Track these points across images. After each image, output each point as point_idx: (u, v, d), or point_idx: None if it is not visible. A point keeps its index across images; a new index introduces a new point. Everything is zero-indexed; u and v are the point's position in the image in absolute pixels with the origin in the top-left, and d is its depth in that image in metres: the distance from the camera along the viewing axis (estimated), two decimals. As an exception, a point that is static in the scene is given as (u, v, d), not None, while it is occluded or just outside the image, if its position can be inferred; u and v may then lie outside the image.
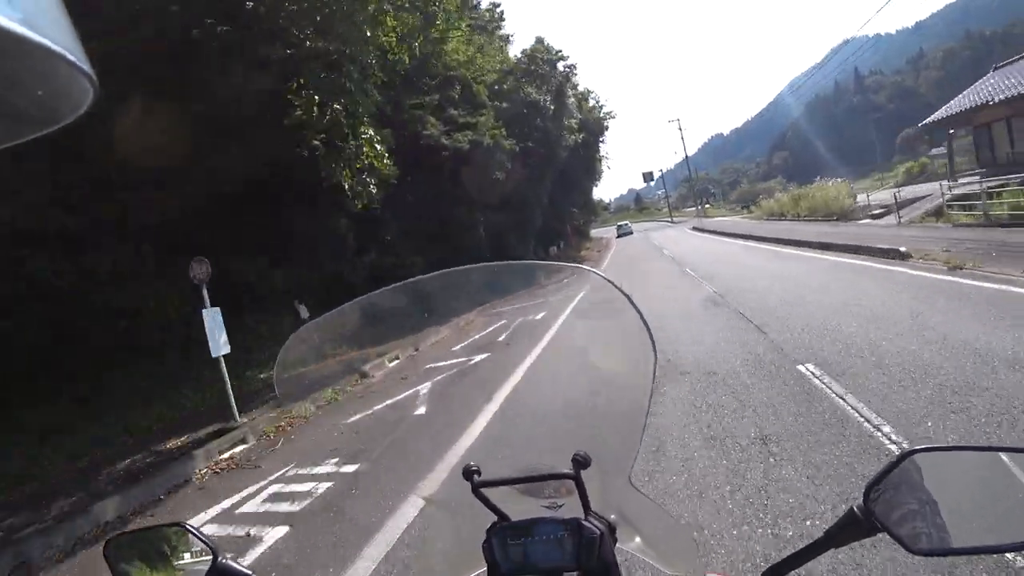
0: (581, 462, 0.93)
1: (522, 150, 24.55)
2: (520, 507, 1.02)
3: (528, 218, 26.55)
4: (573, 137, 32.75)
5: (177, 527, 1.03)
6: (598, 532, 0.94)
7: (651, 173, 62.21)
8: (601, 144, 40.95)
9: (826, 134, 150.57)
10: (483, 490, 0.99)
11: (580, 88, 37.41)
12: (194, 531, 1.01)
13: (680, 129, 60.45)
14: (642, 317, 1.05)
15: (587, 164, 39.14)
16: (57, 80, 0.34)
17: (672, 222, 58.76)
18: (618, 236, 52.86)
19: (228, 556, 0.99)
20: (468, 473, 0.99)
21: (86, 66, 0.33)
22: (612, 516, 1.03)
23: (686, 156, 60.04)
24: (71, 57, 0.32)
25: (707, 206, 62.44)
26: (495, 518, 1.00)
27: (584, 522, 0.95)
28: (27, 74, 0.32)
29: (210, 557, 0.98)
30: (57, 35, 0.31)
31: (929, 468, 0.79)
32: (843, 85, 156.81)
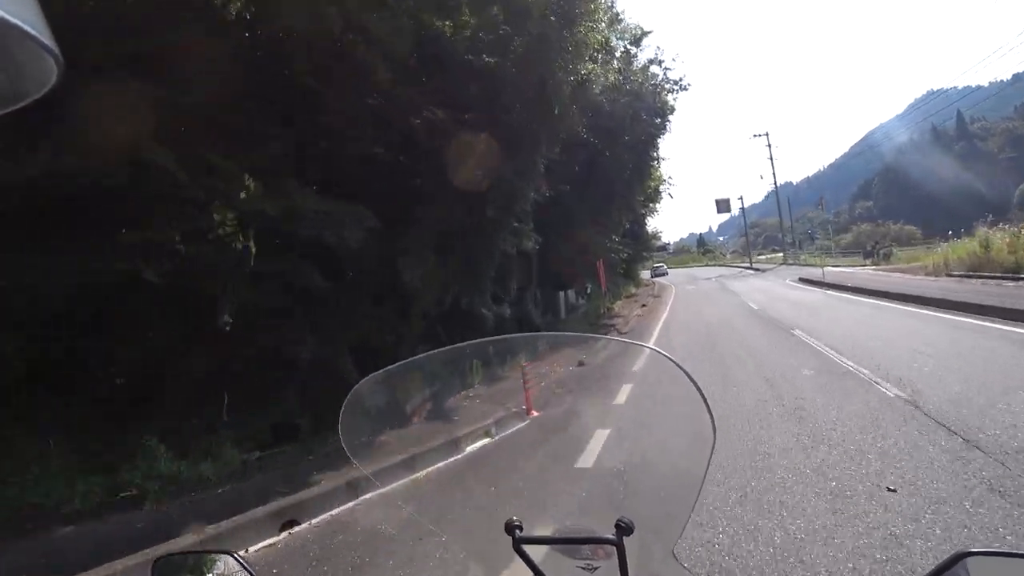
0: (625, 528, 0.95)
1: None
2: (557, 566, 1.04)
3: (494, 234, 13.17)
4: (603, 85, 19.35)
5: (226, 554, 1.04)
6: None
7: (727, 201, 47.76)
8: (663, 135, 27.19)
9: (921, 183, 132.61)
10: (524, 546, 0.99)
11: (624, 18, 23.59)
12: (241, 561, 1.00)
13: (769, 146, 45.88)
14: (700, 391, 1.05)
15: (637, 161, 25.49)
16: (22, 57, 0.33)
17: (755, 268, 43.81)
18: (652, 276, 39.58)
19: None
20: (510, 528, 1.00)
21: (51, 43, 0.33)
22: None
23: (775, 181, 45.68)
24: (35, 33, 0.31)
25: (802, 253, 47.20)
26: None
27: None
28: None
29: None
30: (20, 11, 0.30)
31: (979, 572, 0.79)
32: (941, 130, 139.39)
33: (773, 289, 22.80)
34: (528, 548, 0.99)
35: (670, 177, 41.20)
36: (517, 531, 0.99)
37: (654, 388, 5.23)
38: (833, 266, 30.52)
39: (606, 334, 12.96)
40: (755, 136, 45.79)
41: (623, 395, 6.89)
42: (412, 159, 10.07)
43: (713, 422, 1.05)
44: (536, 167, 12.90)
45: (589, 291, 27.66)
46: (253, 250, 6.25)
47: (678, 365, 1.10)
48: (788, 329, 11.86)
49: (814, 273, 27.17)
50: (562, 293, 22.74)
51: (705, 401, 1.04)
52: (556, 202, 22.56)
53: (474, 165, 10.90)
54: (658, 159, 28.76)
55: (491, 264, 13.13)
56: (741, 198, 47.17)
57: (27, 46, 0.31)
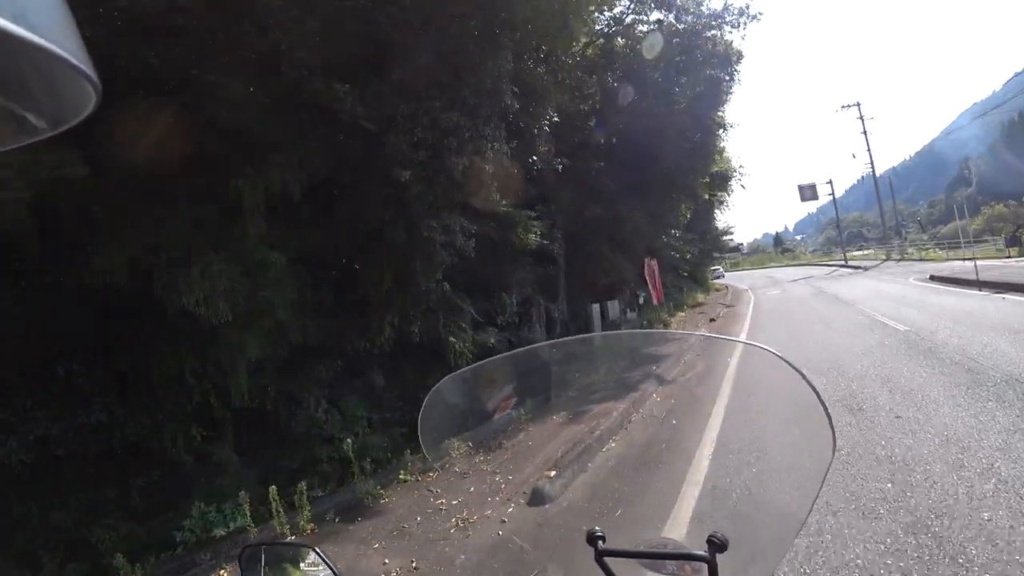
0: (718, 545, 0.89)
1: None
2: None
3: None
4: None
5: (307, 548, 1.08)
6: None
7: (812, 187, 39.44)
8: (729, 93, 20.74)
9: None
10: (606, 559, 0.97)
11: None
12: (322, 556, 1.05)
13: (861, 118, 37.54)
14: (821, 400, 0.98)
15: (696, 126, 19.18)
16: (62, 84, 0.35)
17: (852, 266, 35.76)
18: None
19: None
20: (592, 539, 0.98)
21: (90, 70, 0.33)
22: None
23: (870, 159, 37.48)
24: (75, 61, 0.32)
25: (908, 246, 38.39)
26: None
27: None
28: (32, 78, 0.33)
29: None
30: (62, 40, 0.31)
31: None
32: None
33: (906, 294, 15.84)
34: (610, 561, 0.96)
35: (741, 166, 34.50)
36: (600, 542, 0.97)
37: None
38: (966, 259, 22.77)
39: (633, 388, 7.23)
40: (843, 108, 37.35)
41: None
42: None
43: (834, 437, 0.98)
44: (496, 95, 7.08)
45: (642, 300, 21.51)
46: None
47: (792, 366, 1.05)
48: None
49: (949, 269, 19.90)
50: (596, 306, 16.74)
51: (826, 412, 0.97)
52: (583, 181, 16.70)
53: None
54: (725, 126, 22.17)
55: (430, 269, 7.46)
56: (830, 182, 39.22)
57: (68, 74, 0.32)
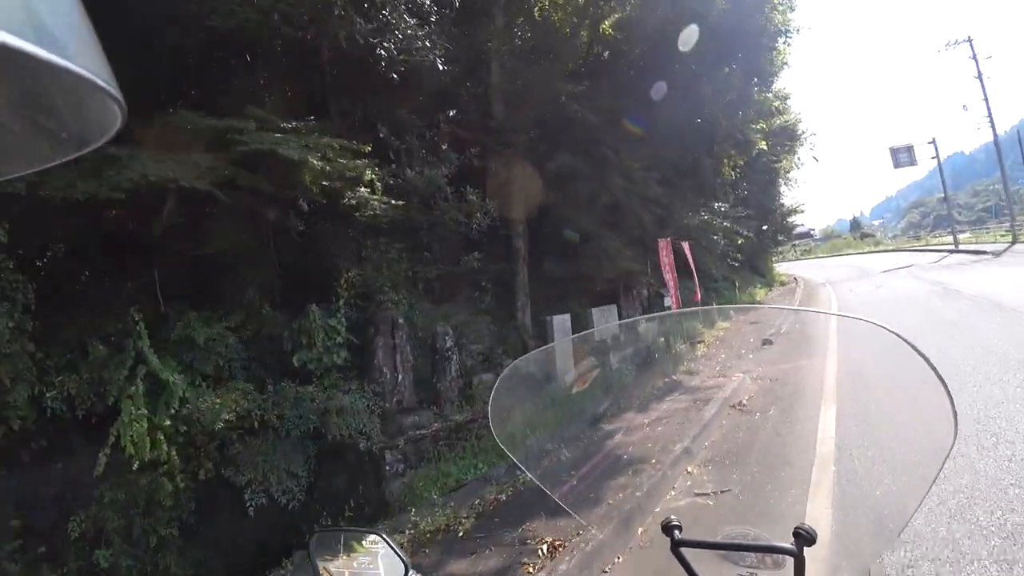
0: (805, 538, 0.85)
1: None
2: (715, 570, 0.97)
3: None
4: None
5: (375, 535, 1.11)
6: None
7: (909, 150, 30.03)
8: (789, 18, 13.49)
9: None
10: (682, 549, 0.94)
11: None
12: (390, 543, 1.08)
13: (975, 58, 27.88)
14: (942, 380, 0.88)
15: (751, 39, 12.04)
16: (89, 105, 0.35)
17: (970, 251, 26.79)
18: None
19: (417, 573, 0.97)
20: (668, 529, 0.96)
21: (116, 91, 0.34)
22: None
23: (988, 110, 28.30)
24: (101, 83, 0.33)
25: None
26: None
27: None
28: (60, 99, 0.34)
29: (402, 569, 1.03)
30: (89, 62, 0.32)
31: None
32: None
33: None
34: (686, 552, 0.93)
35: (812, 132, 26.65)
36: (676, 532, 0.94)
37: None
38: None
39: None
40: (949, 46, 28.44)
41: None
42: None
43: (956, 424, 0.88)
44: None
45: (668, 303, 14.65)
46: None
47: (907, 342, 0.95)
48: None
49: None
50: (557, 319, 10.17)
51: (948, 394, 0.87)
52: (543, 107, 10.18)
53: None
54: (787, 32, 14.80)
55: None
56: (934, 141, 29.88)
57: (96, 96, 0.33)
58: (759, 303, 19.89)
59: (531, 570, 3.33)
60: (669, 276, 12.42)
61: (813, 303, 17.11)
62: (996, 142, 28.89)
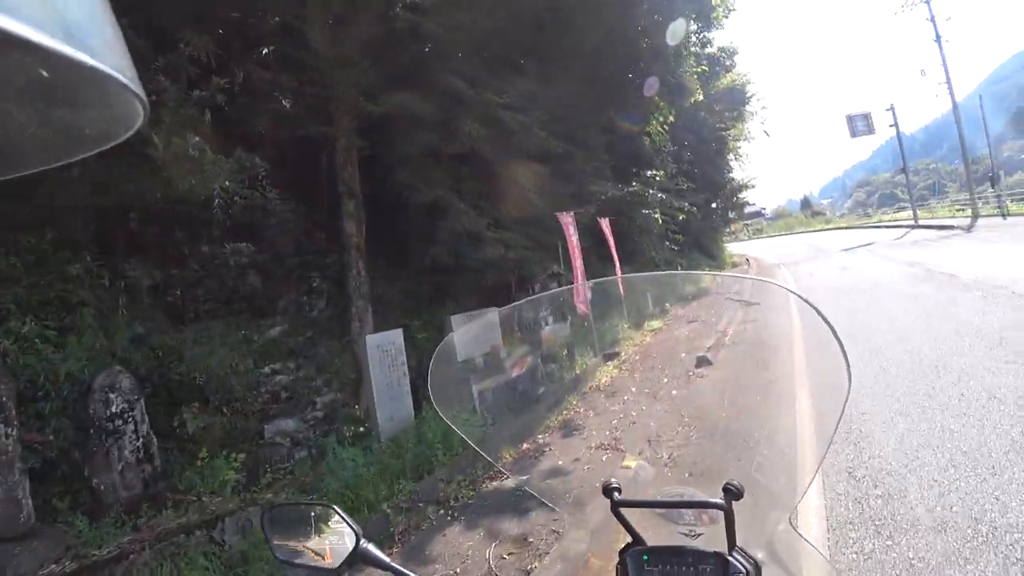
0: (734, 492, 0.90)
1: None
2: (655, 530, 1.00)
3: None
4: None
5: (327, 507, 1.09)
6: (744, 571, 0.89)
7: (866, 118, 27.29)
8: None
9: None
10: (622, 510, 0.97)
11: None
12: (342, 514, 1.06)
13: (932, 20, 24.77)
14: (837, 337, 0.97)
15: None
16: (112, 100, 0.36)
17: (933, 226, 24.17)
18: None
19: (370, 543, 1.03)
20: (608, 491, 0.98)
21: (138, 88, 0.34)
22: (759, 555, 0.95)
23: (947, 76, 25.60)
24: (125, 80, 0.33)
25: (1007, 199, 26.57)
26: (630, 538, 0.97)
27: (730, 558, 0.90)
28: (84, 95, 0.35)
29: (354, 539, 1.03)
30: (112, 58, 0.32)
31: None
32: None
33: None
34: (626, 512, 0.96)
35: (764, 107, 23.84)
36: (616, 494, 0.96)
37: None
38: None
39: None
40: (905, 7, 25.83)
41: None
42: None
43: (849, 374, 0.97)
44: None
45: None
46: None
47: (806, 301, 1.05)
48: None
49: None
50: (373, 339, 6.56)
51: (842, 349, 0.95)
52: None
53: None
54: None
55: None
56: (892, 108, 27.26)
57: (119, 93, 0.33)
58: (706, 289, 16.76)
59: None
60: (577, 263, 9.03)
61: (766, 293, 14.08)
62: (955, 107, 26.51)
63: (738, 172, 28.89)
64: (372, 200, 8.03)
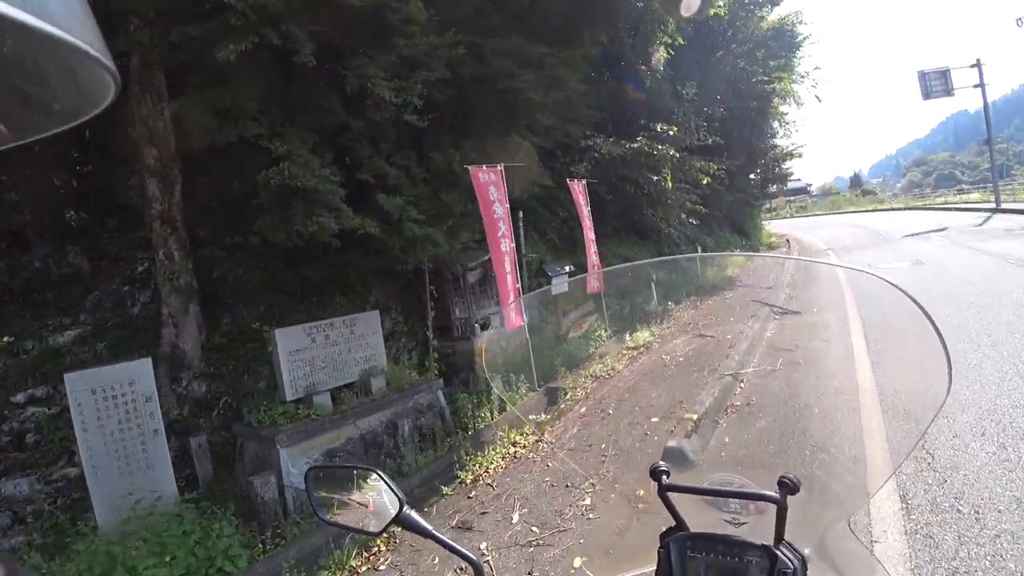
0: (790, 487, 0.86)
1: None
2: (699, 516, 0.98)
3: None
4: None
5: (373, 472, 1.08)
6: (792, 567, 0.86)
7: (944, 75, 22.17)
8: None
9: None
10: (669, 494, 0.95)
11: None
12: (386, 479, 1.05)
13: None
14: (939, 334, 0.91)
15: None
16: (81, 75, 0.35)
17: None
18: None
19: (413, 510, 0.99)
20: (656, 473, 0.96)
21: (109, 61, 0.33)
22: (807, 551, 0.92)
23: None
24: (94, 52, 0.32)
25: None
26: (674, 522, 0.96)
27: (778, 552, 0.87)
28: (52, 69, 0.34)
29: (397, 504, 1.01)
30: (80, 31, 0.31)
31: None
32: None
33: None
34: (673, 496, 0.94)
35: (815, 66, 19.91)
36: (664, 477, 0.94)
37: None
38: None
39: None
40: None
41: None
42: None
43: (950, 380, 0.91)
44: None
45: (566, 284, 8.20)
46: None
47: (906, 294, 0.98)
48: None
49: None
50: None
51: (945, 350, 0.89)
52: None
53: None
54: None
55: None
56: (978, 62, 22.26)
57: (88, 66, 0.32)
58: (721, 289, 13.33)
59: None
60: (494, 245, 5.79)
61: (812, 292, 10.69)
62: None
63: (782, 140, 24.77)
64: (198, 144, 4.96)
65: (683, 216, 12.98)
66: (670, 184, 10.17)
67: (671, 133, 10.70)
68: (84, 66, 0.33)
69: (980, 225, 17.49)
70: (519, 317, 5.61)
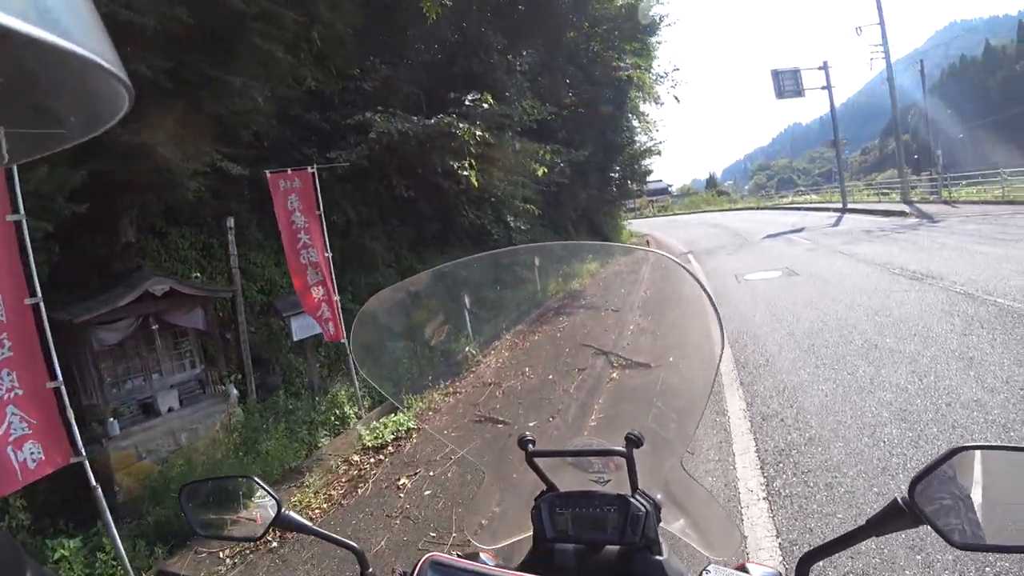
0: (634, 441, 0.94)
1: None
2: (569, 479, 1.04)
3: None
4: None
5: (246, 479, 1.06)
6: (644, 510, 0.92)
7: (794, 75, 22.15)
8: None
9: (972, 115, 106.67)
10: (536, 460, 1.01)
11: None
12: (261, 484, 1.03)
13: None
14: (712, 301, 1.01)
15: None
16: (95, 87, 0.35)
17: (861, 210, 19.56)
18: None
19: (289, 510, 0.98)
20: (523, 443, 1.01)
21: (122, 73, 0.33)
22: (659, 495, 1.01)
23: (883, 36, 21.14)
24: (107, 65, 0.32)
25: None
26: (544, 487, 1.01)
27: (631, 499, 0.94)
28: (66, 82, 0.34)
29: (275, 507, 0.99)
30: (93, 44, 0.31)
31: (975, 465, 0.75)
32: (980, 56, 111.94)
33: None
34: (540, 461, 1.00)
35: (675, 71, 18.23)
36: (530, 445, 1.00)
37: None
38: None
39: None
40: None
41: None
42: None
43: (722, 332, 1.00)
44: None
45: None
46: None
47: (687, 270, 1.07)
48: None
49: None
50: None
51: (715, 309, 0.99)
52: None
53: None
54: None
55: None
56: (825, 64, 22.25)
57: (102, 78, 0.32)
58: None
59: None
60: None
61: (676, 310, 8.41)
62: (889, 69, 22.10)
63: (642, 136, 23.29)
64: None
65: (514, 217, 10.26)
66: (474, 178, 7.34)
67: (486, 105, 7.94)
68: (99, 79, 0.32)
69: (835, 226, 16.68)
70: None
